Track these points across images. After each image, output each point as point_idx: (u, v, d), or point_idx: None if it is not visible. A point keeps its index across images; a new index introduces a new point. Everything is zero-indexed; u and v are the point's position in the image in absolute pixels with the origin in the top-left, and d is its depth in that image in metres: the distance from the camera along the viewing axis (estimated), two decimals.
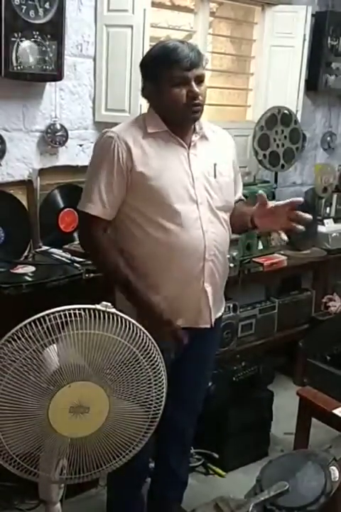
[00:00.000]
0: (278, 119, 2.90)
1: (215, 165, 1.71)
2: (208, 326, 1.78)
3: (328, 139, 3.44)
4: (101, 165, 1.64)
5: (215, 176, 1.71)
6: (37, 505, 2.04)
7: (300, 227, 1.70)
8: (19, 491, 2.00)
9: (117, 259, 1.66)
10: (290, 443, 2.34)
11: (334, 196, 3.34)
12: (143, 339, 1.40)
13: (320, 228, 3.17)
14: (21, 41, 2.04)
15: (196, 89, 1.61)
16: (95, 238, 1.67)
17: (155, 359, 1.43)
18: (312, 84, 3.17)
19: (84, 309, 1.34)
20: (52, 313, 1.32)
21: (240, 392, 2.46)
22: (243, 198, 1.95)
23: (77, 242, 2.27)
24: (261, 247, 2.84)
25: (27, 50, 2.07)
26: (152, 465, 2.08)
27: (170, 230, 1.64)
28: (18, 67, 2.07)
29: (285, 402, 2.66)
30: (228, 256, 2.07)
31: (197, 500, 2.06)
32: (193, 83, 1.61)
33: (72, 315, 1.33)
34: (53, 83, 2.25)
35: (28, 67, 2.08)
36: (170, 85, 1.61)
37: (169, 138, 1.68)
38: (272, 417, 2.58)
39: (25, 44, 2.06)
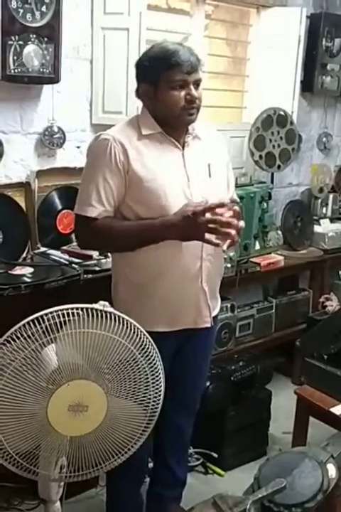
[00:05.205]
0: (273, 120, 2.91)
1: (209, 165, 1.72)
2: (208, 325, 1.80)
3: (324, 139, 3.46)
4: (98, 167, 1.64)
5: (210, 176, 1.72)
6: (37, 505, 2.05)
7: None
8: (19, 491, 2.01)
9: (118, 226, 1.65)
10: (288, 442, 2.35)
11: (330, 196, 3.37)
12: (140, 338, 1.42)
13: (317, 228, 3.19)
14: (20, 45, 2.05)
15: (195, 93, 1.63)
16: (96, 235, 1.67)
17: (153, 358, 1.44)
18: (308, 86, 3.19)
19: (81, 309, 1.35)
20: (51, 312, 1.33)
21: (238, 391, 2.47)
22: (236, 198, 1.96)
23: (74, 243, 2.28)
24: (258, 247, 2.86)
25: (32, 54, 2.09)
26: (151, 465, 2.09)
27: None
28: (16, 70, 2.08)
29: (284, 402, 2.67)
30: (225, 256, 2.09)
31: (196, 499, 2.06)
32: (192, 87, 1.63)
33: (70, 314, 1.34)
34: (50, 86, 2.27)
35: (30, 70, 2.10)
36: (169, 87, 1.62)
37: (163, 139, 1.69)
38: (270, 417, 2.59)
39: (30, 48, 2.08)
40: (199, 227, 1.54)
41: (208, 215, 1.54)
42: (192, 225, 1.55)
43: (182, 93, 1.63)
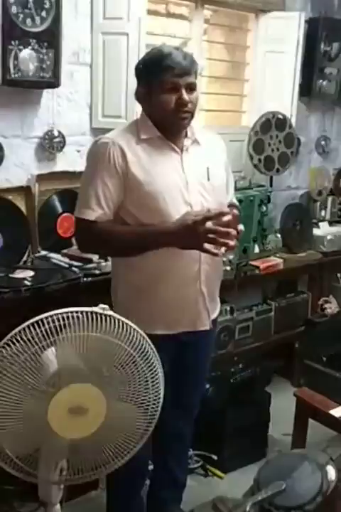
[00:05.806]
0: (272, 124, 2.93)
1: (208, 168, 1.73)
2: (207, 328, 1.80)
3: (322, 143, 3.47)
4: (97, 170, 1.66)
5: (209, 179, 1.73)
6: (37, 508, 2.05)
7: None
8: (19, 493, 2.01)
9: (118, 231, 1.66)
10: (288, 444, 2.35)
11: (329, 199, 3.38)
12: (140, 341, 1.42)
13: (316, 231, 3.20)
14: (20, 50, 2.07)
15: (185, 96, 1.63)
16: (95, 238, 1.68)
17: (152, 360, 1.45)
18: (306, 90, 3.20)
19: (81, 312, 1.36)
20: (50, 315, 1.34)
21: (238, 394, 2.48)
22: (235, 201, 1.97)
23: (75, 246, 2.29)
24: (257, 250, 2.86)
25: (27, 58, 2.10)
26: (151, 467, 2.10)
27: None
28: (16, 75, 2.09)
29: (283, 404, 2.67)
30: (224, 259, 2.10)
31: (196, 501, 2.08)
32: (183, 90, 1.63)
33: (70, 318, 1.35)
34: (50, 90, 2.28)
35: (28, 75, 2.11)
36: (160, 90, 1.63)
37: (162, 143, 1.70)
38: (270, 419, 2.60)
39: (25, 52, 2.09)
40: (199, 236, 1.54)
41: (209, 224, 1.54)
42: (192, 234, 1.55)
43: (173, 96, 1.63)
